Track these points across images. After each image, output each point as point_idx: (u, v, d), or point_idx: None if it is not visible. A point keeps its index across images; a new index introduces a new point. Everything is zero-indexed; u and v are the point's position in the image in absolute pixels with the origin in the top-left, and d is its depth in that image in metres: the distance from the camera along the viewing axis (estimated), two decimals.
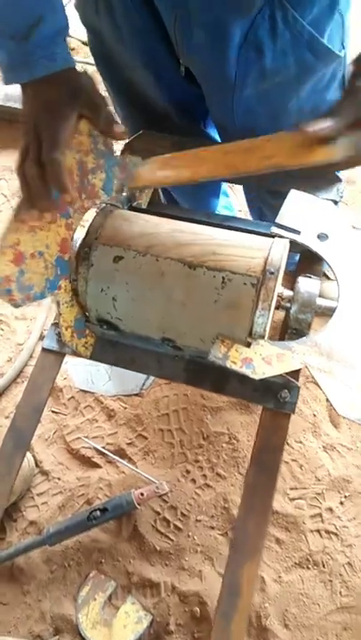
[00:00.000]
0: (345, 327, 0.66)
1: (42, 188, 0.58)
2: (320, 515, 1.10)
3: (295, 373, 0.68)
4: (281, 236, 0.71)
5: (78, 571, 1.07)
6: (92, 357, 0.76)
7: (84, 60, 1.88)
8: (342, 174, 0.82)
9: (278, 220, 0.73)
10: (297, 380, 0.69)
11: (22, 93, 0.61)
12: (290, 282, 0.72)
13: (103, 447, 1.19)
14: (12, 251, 0.62)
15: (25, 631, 1.02)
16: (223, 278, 0.63)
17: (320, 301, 0.68)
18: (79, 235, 0.68)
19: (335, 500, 1.12)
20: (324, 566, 1.06)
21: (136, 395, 1.26)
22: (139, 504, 1.05)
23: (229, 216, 0.92)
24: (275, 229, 0.72)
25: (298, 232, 0.72)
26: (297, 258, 0.81)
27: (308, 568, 1.06)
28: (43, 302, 1.41)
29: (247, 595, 0.61)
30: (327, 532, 1.09)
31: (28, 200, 0.60)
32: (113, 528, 1.10)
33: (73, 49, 2.01)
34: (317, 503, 1.11)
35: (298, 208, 0.74)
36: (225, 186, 1.40)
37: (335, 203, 0.78)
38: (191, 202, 1.13)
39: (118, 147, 0.74)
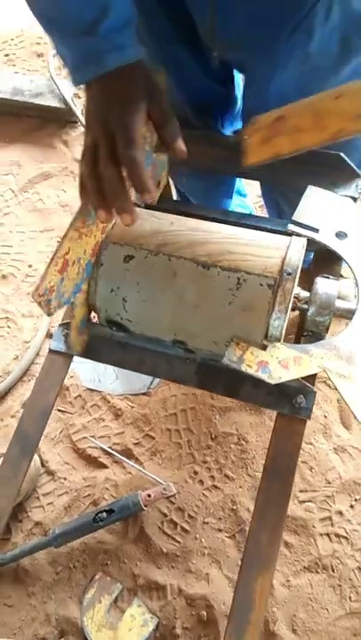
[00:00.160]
0: None
1: (121, 188, 0.54)
2: (330, 518, 1.08)
3: (311, 378, 0.65)
4: (298, 235, 0.68)
5: (84, 572, 1.06)
6: (92, 357, 0.74)
7: None
8: None
9: (295, 217, 0.70)
10: (313, 385, 0.66)
11: (87, 92, 0.58)
12: (304, 281, 0.69)
13: (110, 447, 1.18)
14: (62, 260, 0.59)
15: (30, 633, 1.01)
16: (238, 279, 0.60)
17: (339, 303, 0.65)
18: None
19: (345, 504, 1.10)
20: (333, 570, 1.04)
21: (143, 394, 1.24)
22: (145, 505, 1.04)
23: (245, 214, 0.89)
24: (292, 227, 0.70)
25: (316, 230, 0.69)
26: (311, 256, 0.78)
27: (317, 572, 1.04)
28: None
29: (260, 608, 0.59)
30: (337, 535, 1.07)
31: (101, 202, 0.55)
32: (119, 529, 1.08)
33: None
34: (327, 506, 1.09)
35: (316, 205, 0.71)
36: (241, 185, 1.37)
37: (354, 199, 0.75)
38: (204, 202, 1.10)
39: None
